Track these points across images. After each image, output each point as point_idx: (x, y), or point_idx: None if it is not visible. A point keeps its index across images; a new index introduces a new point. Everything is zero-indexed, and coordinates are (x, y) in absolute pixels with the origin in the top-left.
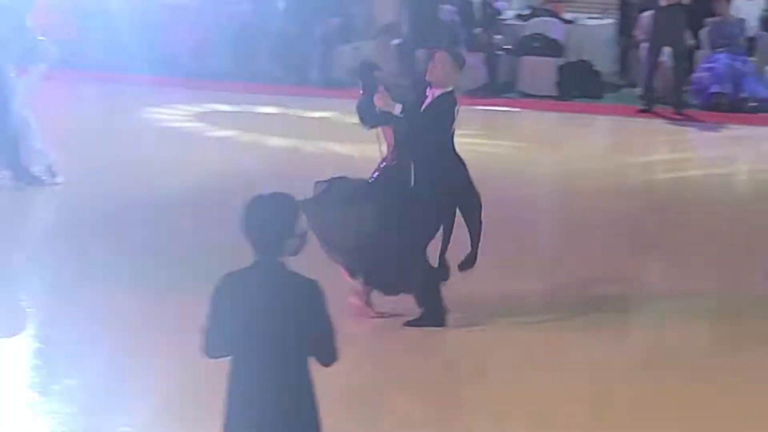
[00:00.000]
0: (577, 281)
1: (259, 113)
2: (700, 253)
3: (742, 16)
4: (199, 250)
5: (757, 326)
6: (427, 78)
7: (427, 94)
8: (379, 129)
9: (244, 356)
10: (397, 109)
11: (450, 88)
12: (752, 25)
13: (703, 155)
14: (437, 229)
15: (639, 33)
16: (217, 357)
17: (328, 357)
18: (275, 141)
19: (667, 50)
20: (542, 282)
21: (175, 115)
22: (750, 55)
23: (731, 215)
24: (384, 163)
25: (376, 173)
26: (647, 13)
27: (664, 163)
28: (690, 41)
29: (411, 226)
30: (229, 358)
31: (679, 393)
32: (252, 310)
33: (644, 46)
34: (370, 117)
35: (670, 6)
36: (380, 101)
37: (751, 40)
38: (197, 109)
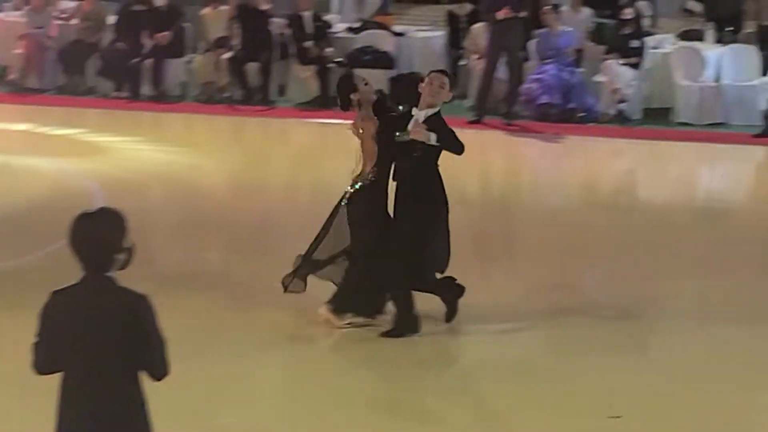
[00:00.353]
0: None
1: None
2: (533, 261)
3: (569, 27)
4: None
5: (579, 332)
6: (429, 100)
7: (413, 113)
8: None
9: (74, 372)
10: (433, 138)
11: (438, 108)
12: (580, 36)
13: (534, 165)
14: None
15: (470, 44)
16: (47, 373)
17: (159, 371)
18: None
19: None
20: None
21: None
22: (578, 65)
23: (562, 224)
24: (363, 179)
25: (354, 189)
26: (478, 25)
27: (496, 173)
28: (521, 52)
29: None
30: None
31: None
32: (81, 325)
33: (474, 57)
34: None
35: (507, 19)
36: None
37: (579, 51)
38: None
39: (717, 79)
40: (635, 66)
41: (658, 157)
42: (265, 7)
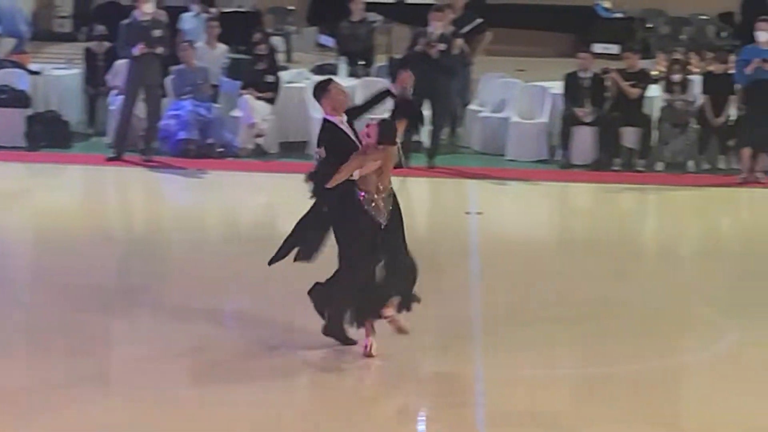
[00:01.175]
0: (57, 328)
1: None
2: (177, 295)
3: (205, 64)
4: None
5: (219, 364)
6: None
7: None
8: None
9: None
10: None
11: None
12: (216, 72)
13: (174, 201)
14: None
15: (112, 79)
16: None
17: None
18: None
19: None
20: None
21: None
22: (215, 101)
23: (204, 258)
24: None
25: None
26: (120, 62)
27: (137, 210)
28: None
29: None
30: None
31: None
32: None
33: (114, 94)
34: None
35: (143, 55)
36: None
37: (215, 86)
38: None
39: None
40: (271, 101)
41: (297, 190)
42: None
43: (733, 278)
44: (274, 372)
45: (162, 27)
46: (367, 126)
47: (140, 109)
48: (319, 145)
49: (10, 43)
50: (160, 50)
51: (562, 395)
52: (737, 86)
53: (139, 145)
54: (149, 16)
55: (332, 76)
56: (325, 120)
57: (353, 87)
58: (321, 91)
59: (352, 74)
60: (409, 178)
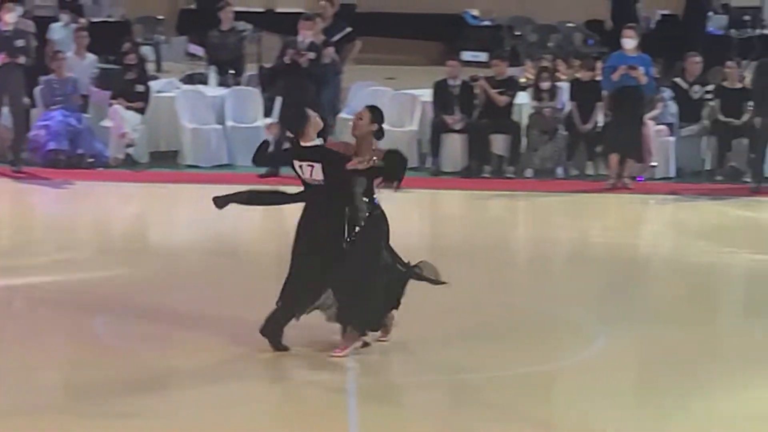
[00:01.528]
0: None
1: None
2: (52, 308)
3: (74, 74)
4: None
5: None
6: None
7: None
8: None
9: None
10: None
11: None
12: (85, 82)
13: (44, 212)
14: None
15: None
16: None
17: None
18: None
19: (5, 109)
20: None
21: None
22: (84, 111)
23: (74, 270)
24: None
25: None
26: None
27: (8, 223)
28: (25, 99)
29: None
30: None
31: None
32: None
33: None
34: None
35: (5, 65)
36: None
37: (85, 96)
38: None
39: (221, 121)
40: (141, 110)
41: (168, 199)
42: None
43: (601, 284)
44: (153, 382)
45: (26, 37)
46: (360, 118)
47: (8, 120)
48: (330, 168)
49: None
50: (22, 60)
51: (433, 401)
52: (604, 93)
53: (8, 156)
54: (12, 26)
55: (201, 86)
56: (309, 147)
57: (223, 96)
58: (303, 122)
59: (222, 83)
60: (280, 188)
